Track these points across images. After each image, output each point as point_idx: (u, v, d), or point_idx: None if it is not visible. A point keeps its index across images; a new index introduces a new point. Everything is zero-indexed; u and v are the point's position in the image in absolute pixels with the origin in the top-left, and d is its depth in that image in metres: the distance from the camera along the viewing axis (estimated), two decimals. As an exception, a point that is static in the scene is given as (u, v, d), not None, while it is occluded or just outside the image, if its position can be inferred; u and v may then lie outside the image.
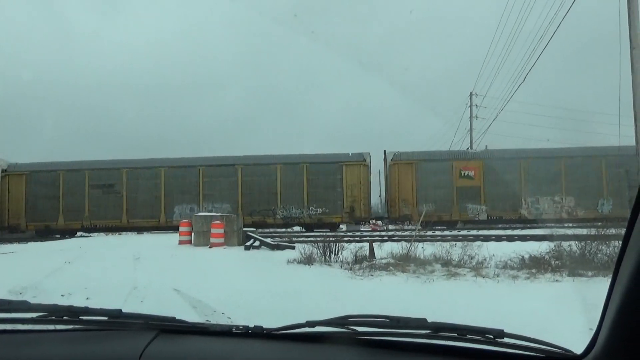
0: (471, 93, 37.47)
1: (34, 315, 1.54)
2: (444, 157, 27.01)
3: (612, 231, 12.53)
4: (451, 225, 25.29)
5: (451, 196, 26.31)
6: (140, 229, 27.46)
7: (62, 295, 7.28)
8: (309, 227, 26.33)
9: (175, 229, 21.81)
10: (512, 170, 26.21)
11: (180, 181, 27.48)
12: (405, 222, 25.65)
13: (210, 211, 25.63)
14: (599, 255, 10.65)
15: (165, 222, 27.04)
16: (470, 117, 37.70)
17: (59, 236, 26.67)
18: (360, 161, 27.01)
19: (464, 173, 26.44)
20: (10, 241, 23.44)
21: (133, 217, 27.35)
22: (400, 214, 26.50)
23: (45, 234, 26.28)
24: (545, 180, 26.00)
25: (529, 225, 24.28)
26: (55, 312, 1.55)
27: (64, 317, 1.55)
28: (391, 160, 27.13)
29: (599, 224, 14.13)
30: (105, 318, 1.55)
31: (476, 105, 37.12)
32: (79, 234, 27.33)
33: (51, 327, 1.56)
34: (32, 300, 1.62)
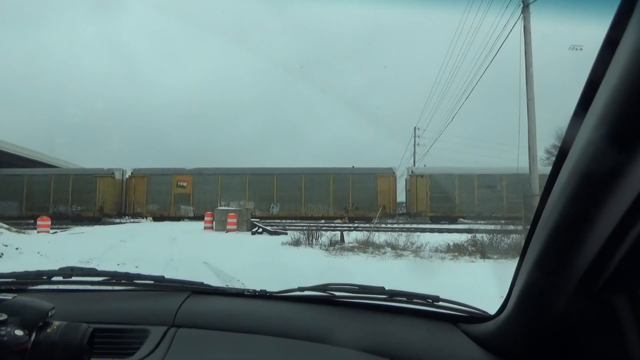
0: (415, 127, 37.88)
1: (100, 278, 1.51)
2: (167, 173, 27.97)
3: (511, 227, 12.68)
4: (170, 219, 26.22)
5: (170, 199, 27.44)
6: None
7: (118, 264, 7.17)
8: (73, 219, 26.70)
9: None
10: (212, 182, 27.59)
11: (5, 187, 27.37)
12: (140, 217, 27.69)
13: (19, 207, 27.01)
14: (502, 244, 10.76)
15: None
16: (414, 144, 38.02)
17: (118, 221, 26.69)
18: (110, 174, 27.82)
19: (180, 184, 27.70)
20: (82, 224, 23.13)
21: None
22: (134, 211, 27.56)
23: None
24: (235, 190, 27.43)
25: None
26: (115, 277, 1.52)
27: (122, 281, 1.52)
28: (130, 174, 28.05)
29: (502, 222, 14.30)
30: (152, 282, 1.52)
31: (418, 136, 37.43)
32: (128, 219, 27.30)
33: (113, 287, 1.53)
34: (96, 268, 1.59)
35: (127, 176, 28.60)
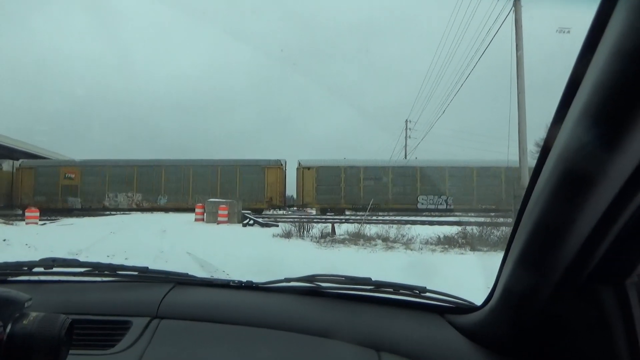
0: (406, 120, 37.87)
1: (82, 269, 1.49)
2: (54, 164, 28.29)
3: (501, 220, 12.78)
4: (58, 211, 25.79)
5: (57, 191, 27.46)
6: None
7: (107, 256, 7.10)
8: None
9: None
10: (99, 174, 27.65)
11: None
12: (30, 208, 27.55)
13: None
14: (491, 236, 10.84)
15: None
16: (406, 137, 38.02)
17: (107, 213, 26.58)
18: None
19: (67, 175, 27.70)
20: (71, 215, 22.98)
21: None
22: (21, 203, 27.10)
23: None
24: (123, 182, 27.62)
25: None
26: (98, 268, 1.49)
27: (105, 272, 1.50)
28: (18, 166, 28.04)
29: (492, 214, 14.42)
30: (136, 273, 1.50)
31: (410, 129, 37.40)
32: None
33: (95, 279, 1.51)
34: (84, 260, 1.56)
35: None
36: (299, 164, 27.49)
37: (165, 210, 26.07)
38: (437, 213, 24.93)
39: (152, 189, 27.33)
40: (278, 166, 27.37)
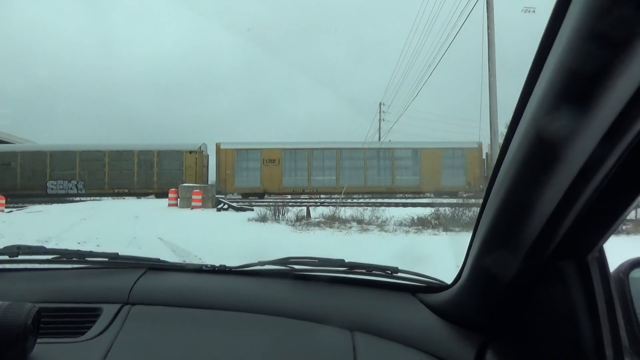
0: (380, 103, 38.01)
1: (49, 257, 1.45)
2: None
3: (473, 201, 13.05)
4: None
5: None
6: None
7: (78, 243, 6.96)
8: None
9: None
10: None
11: None
12: None
13: None
14: (463, 217, 11.07)
15: None
16: (380, 120, 38.17)
17: (78, 199, 25.67)
18: None
19: None
20: (40, 202, 22.34)
21: None
22: None
23: None
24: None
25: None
26: (66, 255, 1.46)
27: (73, 258, 1.46)
28: None
29: (465, 195, 14.71)
30: (106, 259, 1.47)
31: (383, 112, 37.56)
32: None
33: (63, 266, 1.47)
34: (53, 247, 1.51)
35: None
36: None
37: None
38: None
39: None
40: None
